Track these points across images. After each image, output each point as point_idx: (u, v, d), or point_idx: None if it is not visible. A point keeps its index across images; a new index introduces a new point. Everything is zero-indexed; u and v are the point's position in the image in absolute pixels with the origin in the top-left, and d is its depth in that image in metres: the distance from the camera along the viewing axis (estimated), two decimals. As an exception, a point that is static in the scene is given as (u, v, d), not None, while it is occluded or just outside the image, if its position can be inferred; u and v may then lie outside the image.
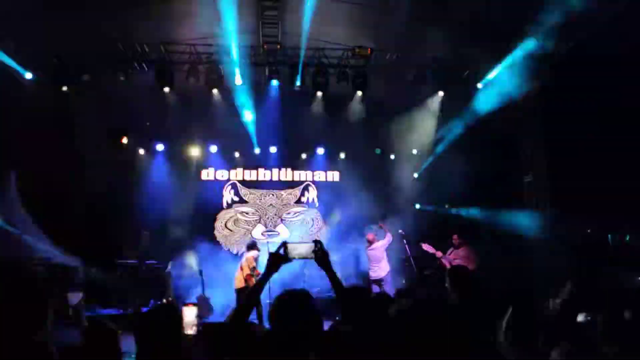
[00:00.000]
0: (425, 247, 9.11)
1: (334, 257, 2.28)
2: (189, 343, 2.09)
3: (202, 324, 7.99)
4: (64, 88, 9.65)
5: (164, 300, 8.75)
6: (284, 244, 2.23)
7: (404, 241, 9.84)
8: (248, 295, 2.21)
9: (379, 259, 9.81)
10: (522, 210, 10.73)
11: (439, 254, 8.97)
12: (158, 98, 10.78)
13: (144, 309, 9.20)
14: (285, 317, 1.93)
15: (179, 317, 2.29)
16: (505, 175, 11.39)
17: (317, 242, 2.22)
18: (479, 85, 10.85)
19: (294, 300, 1.94)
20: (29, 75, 9.69)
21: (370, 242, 9.95)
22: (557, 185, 10.18)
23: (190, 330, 1.96)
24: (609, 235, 10.22)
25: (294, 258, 2.21)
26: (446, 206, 13.32)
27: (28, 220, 11.24)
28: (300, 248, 2.21)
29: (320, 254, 2.20)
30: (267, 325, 2.36)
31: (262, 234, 12.95)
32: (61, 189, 12.34)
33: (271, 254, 2.23)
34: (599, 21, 8.10)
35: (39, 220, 11.28)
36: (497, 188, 11.07)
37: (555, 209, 9.94)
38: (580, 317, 3.60)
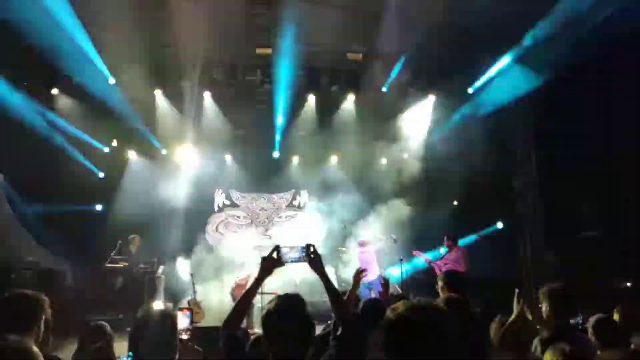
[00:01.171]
0: (415, 253, 9.19)
1: (326, 262, 2.27)
2: (183, 348, 2.06)
3: (195, 328, 7.91)
4: (54, 91, 9.51)
5: (160, 305, 8.64)
6: (277, 248, 2.22)
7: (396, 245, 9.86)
8: (241, 300, 2.19)
9: (370, 262, 9.80)
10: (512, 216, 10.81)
11: (427, 259, 9.05)
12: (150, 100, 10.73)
13: (136, 314, 9.10)
14: (277, 323, 1.91)
15: (175, 323, 2.26)
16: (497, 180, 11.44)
17: (309, 246, 2.21)
18: (470, 90, 10.90)
19: (286, 306, 1.92)
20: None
21: (362, 246, 9.94)
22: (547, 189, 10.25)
23: (185, 335, 1.94)
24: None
25: (287, 262, 2.20)
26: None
27: (17, 223, 11.12)
28: (293, 252, 2.21)
29: (313, 258, 2.19)
30: (257, 330, 2.33)
31: (253, 237, 12.89)
32: (50, 191, 12.22)
33: (264, 258, 2.22)
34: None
35: (28, 224, 11.18)
36: (488, 192, 11.12)
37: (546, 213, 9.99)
38: (572, 320, 3.63)
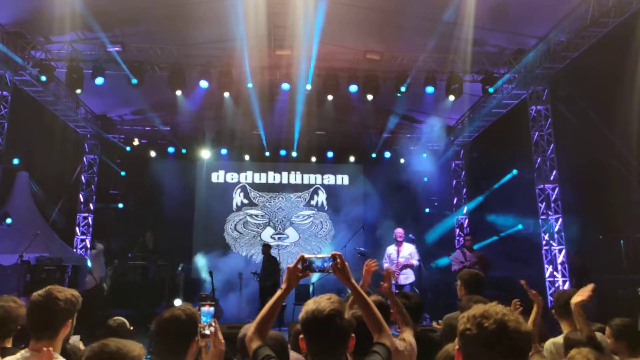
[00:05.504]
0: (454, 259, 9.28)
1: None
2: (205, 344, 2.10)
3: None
4: (78, 91, 9.67)
5: (181, 303, 8.77)
6: (302, 258, 2.22)
7: (414, 246, 9.83)
8: (267, 311, 2.21)
9: None
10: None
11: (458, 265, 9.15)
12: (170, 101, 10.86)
13: (157, 310, 9.24)
14: (314, 328, 1.95)
15: (197, 321, 2.30)
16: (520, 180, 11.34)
17: (335, 256, 2.21)
18: (490, 90, 10.77)
19: (322, 310, 1.95)
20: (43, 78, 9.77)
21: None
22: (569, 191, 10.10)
23: (207, 331, 1.98)
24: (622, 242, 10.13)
25: (313, 271, 2.20)
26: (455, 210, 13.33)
27: (40, 219, 11.37)
28: (319, 261, 2.20)
29: (339, 267, 2.19)
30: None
31: (271, 236, 12.98)
32: (71, 189, 12.46)
33: (289, 268, 2.22)
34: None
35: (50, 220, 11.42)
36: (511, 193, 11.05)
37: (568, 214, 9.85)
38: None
